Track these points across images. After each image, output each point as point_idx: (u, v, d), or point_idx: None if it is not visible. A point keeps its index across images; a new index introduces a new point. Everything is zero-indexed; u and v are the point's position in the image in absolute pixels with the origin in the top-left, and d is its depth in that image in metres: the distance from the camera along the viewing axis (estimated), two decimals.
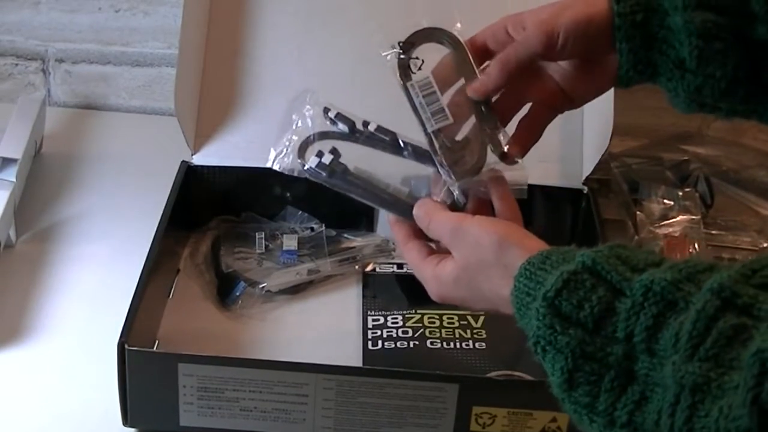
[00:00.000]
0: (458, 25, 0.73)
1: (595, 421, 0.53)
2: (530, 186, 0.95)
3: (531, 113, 0.72)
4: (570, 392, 0.54)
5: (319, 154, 0.73)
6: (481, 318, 0.87)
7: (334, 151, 0.73)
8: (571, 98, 0.71)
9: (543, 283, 0.55)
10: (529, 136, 0.72)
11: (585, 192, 0.96)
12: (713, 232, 1.01)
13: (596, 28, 0.66)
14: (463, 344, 0.84)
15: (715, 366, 0.47)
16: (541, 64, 0.70)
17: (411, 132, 0.76)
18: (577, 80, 0.70)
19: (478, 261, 0.64)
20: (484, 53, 0.73)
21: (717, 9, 0.64)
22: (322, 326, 0.88)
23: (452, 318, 0.87)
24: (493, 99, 0.72)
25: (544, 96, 0.71)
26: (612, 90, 0.92)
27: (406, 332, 0.86)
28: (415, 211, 0.71)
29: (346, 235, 0.97)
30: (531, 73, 0.71)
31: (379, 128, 0.74)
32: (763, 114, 0.68)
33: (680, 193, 1.04)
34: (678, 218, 1.01)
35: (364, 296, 0.91)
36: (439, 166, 0.70)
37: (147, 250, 0.83)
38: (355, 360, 0.83)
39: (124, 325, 0.73)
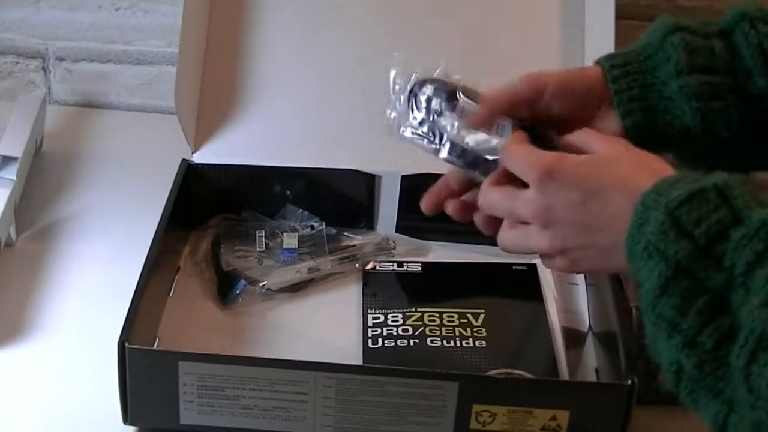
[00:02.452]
0: (457, 76, 0.74)
1: (674, 338, 0.52)
2: None
3: None
4: (659, 300, 0.53)
5: None
6: (481, 316, 0.87)
7: None
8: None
9: (668, 196, 0.54)
10: None
11: None
12: None
13: (587, 92, 0.69)
14: (464, 342, 0.84)
15: None
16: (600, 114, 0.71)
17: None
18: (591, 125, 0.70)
19: (628, 156, 0.62)
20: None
21: (710, 70, 0.65)
22: (323, 324, 0.88)
23: (452, 316, 0.87)
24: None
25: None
26: None
27: (407, 330, 0.86)
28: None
29: (346, 234, 0.97)
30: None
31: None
32: None
33: None
34: None
35: (364, 294, 0.91)
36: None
37: (147, 248, 0.83)
38: (356, 358, 0.83)
39: (125, 323, 0.73)
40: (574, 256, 0.64)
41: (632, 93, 0.67)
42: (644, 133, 0.67)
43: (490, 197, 0.68)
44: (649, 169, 0.59)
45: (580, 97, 0.70)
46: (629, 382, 0.72)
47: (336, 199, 0.98)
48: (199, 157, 0.97)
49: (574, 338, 0.86)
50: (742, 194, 0.53)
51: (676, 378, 0.53)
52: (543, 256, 0.67)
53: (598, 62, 0.71)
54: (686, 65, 0.65)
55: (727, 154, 0.67)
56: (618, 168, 0.61)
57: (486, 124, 0.70)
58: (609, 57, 0.70)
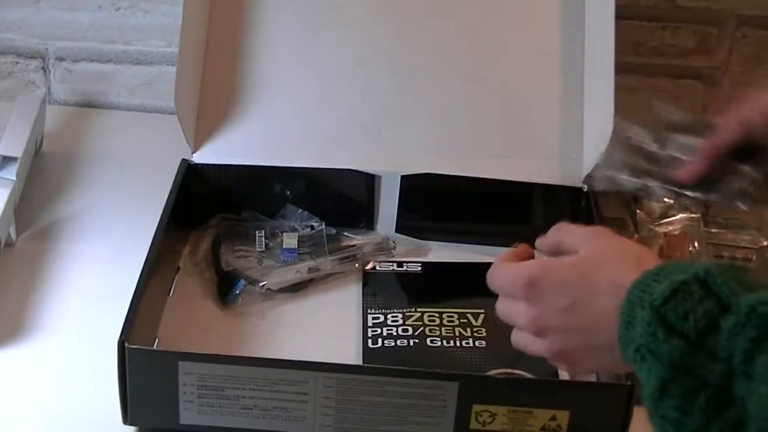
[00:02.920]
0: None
1: None
2: (530, 184, 0.96)
3: None
4: (661, 403, 0.52)
5: None
6: (481, 316, 0.87)
7: None
8: None
9: (653, 293, 0.53)
10: None
11: (585, 190, 0.96)
12: (713, 230, 1.01)
13: None
14: (463, 342, 0.84)
15: None
16: None
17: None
18: None
19: (615, 249, 0.62)
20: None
21: None
22: (322, 324, 0.88)
23: (452, 316, 0.87)
24: None
25: None
26: (612, 88, 0.92)
27: (406, 330, 0.86)
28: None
29: (346, 234, 0.97)
30: None
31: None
32: None
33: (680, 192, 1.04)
34: (678, 216, 1.01)
35: (364, 294, 0.91)
36: None
37: (147, 248, 0.83)
38: (355, 358, 0.83)
39: (125, 323, 0.73)
40: (575, 359, 0.64)
41: None
42: None
43: (499, 309, 0.68)
44: (633, 263, 0.59)
45: None
46: (629, 382, 0.72)
47: (336, 199, 0.98)
48: (199, 157, 0.97)
49: None
50: (725, 281, 0.52)
51: None
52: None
53: None
54: None
55: None
56: (603, 267, 0.60)
57: (703, 172, 0.78)
58: None
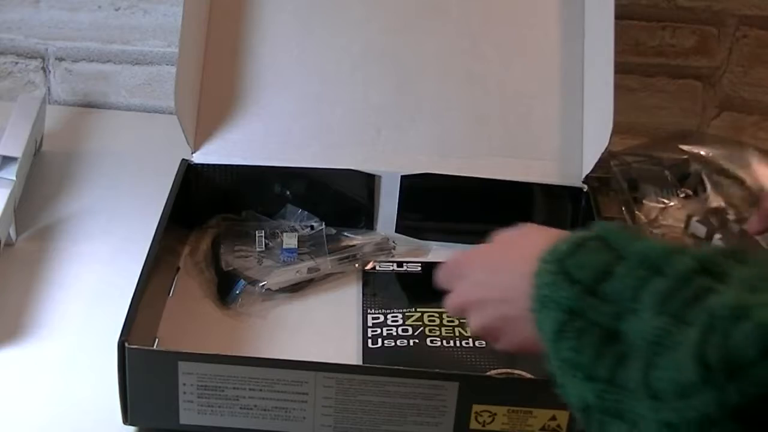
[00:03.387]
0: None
1: (576, 376, 0.55)
2: (530, 184, 0.96)
3: None
4: (557, 345, 0.56)
5: None
6: None
7: None
8: None
9: (557, 252, 0.58)
10: None
11: (585, 190, 0.96)
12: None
13: None
14: (463, 342, 0.84)
15: (676, 322, 0.49)
16: None
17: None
18: None
19: (528, 229, 0.66)
20: None
21: None
22: (322, 324, 0.88)
23: (452, 316, 0.87)
24: None
25: None
26: (612, 88, 0.93)
27: (406, 330, 0.86)
28: None
29: (346, 234, 0.97)
30: None
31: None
32: None
33: (680, 192, 1.04)
34: (677, 217, 1.01)
35: (364, 294, 0.91)
36: None
37: (147, 248, 0.83)
38: (355, 358, 0.83)
39: (124, 323, 0.73)
40: (497, 332, 0.67)
41: None
42: None
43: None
44: (551, 237, 0.62)
45: None
46: None
47: (336, 199, 0.98)
48: (199, 157, 0.97)
49: None
50: (623, 237, 0.56)
51: (586, 416, 0.55)
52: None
53: None
54: None
55: None
56: (521, 242, 0.65)
57: (762, 231, 0.85)
58: None
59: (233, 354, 0.77)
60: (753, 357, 0.44)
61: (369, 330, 0.86)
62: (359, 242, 0.96)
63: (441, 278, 0.72)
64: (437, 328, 0.86)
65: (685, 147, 1.12)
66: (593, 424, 0.55)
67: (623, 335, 0.53)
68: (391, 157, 0.97)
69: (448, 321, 0.87)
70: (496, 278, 0.66)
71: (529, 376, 0.79)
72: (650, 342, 0.49)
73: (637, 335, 0.51)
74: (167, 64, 1.20)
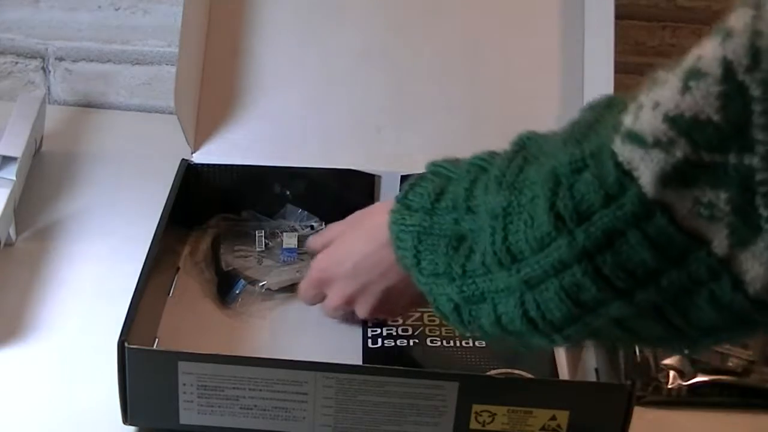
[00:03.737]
0: None
1: (439, 284, 0.62)
2: None
3: None
4: (419, 267, 0.64)
5: None
6: None
7: None
8: None
9: (399, 196, 0.68)
10: None
11: None
12: None
13: None
14: (463, 342, 0.84)
15: (514, 190, 0.56)
16: None
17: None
18: None
19: (369, 208, 0.78)
20: None
21: None
22: (322, 324, 0.88)
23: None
24: None
25: None
26: (612, 88, 0.93)
27: (406, 330, 0.86)
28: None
29: None
30: None
31: None
32: None
33: None
34: None
35: None
36: None
37: (147, 248, 0.83)
38: (355, 358, 0.83)
39: (124, 323, 0.73)
40: (357, 302, 0.79)
41: None
42: None
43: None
44: (389, 201, 0.70)
45: None
46: (629, 382, 0.71)
47: (336, 199, 0.98)
48: (199, 157, 0.97)
49: None
50: (450, 163, 0.66)
51: (457, 315, 0.62)
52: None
53: None
54: None
55: None
56: (366, 217, 0.77)
57: None
58: None
59: (233, 354, 0.77)
60: (597, 203, 0.49)
61: (369, 330, 0.86)
62: None
63: (307, 296, 0.82)
64: (437, 328, 0.86)
65: None
66: (466, 319, 0.61)
67: (467, 234, 0.60)
68: (391, 157, 0.97)
69: None
70: (362, 262, 0.74)
71: (529, 376, 0.79)
72: (499, 216, 0.56)
73: (484, 219, 0.58)
74: (167, 64, 1.20)
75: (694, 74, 0.48)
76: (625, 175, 0.48)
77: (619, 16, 0.94)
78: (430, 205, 0.64)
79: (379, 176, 0.97)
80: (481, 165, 0.62)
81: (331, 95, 1.00)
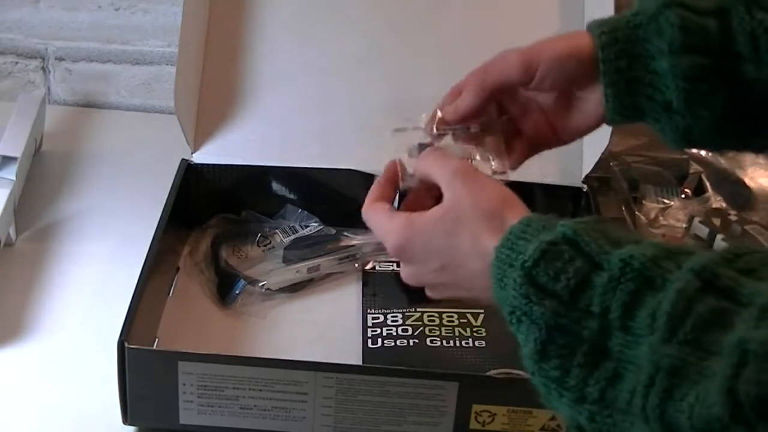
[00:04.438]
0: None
1: (564, 396, 0.52)
2: (530, 184, 0.96)
3: (521, 139, 0.72)
4: (541, 364, 0.53)
5: None
6: (481, 316, 0.87)
7: None
8: (559, 134, 0.72)
9: (522, 252, 0.54)
10: (511, 160, 0.72)
11: (585, 190, 0.96)
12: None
13: (577, 64, 0.67)
14: (463, 342, 0.84)
15: (694, 350, 0.46)
16: (533, 96, 0.71)
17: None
18: (564, 115, 0.71)
19: (473, 205, 0.61)
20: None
21: (703, 51, 0.63)
22: (322, 324, 0.88)
23: (452, 316, 0.87)
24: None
25: (534, 127, 0.72)
26: None
27: (406, 330, 0.86)
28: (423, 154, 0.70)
29: (346, 234, 0.97)
30: (522, 105, 0.72)
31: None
32: (754, 147, 0.68)
33: (680, 192, 1.04)
34: (677, 217, 1.01)
35: (363, 294, 0.91)
36: None
37: (147, 248, 0.83)
38: (355, 358, 0.83)
39: (124, 323, 0.73)
40: (456, 297, 0.65)
41: (619, 63, 0.65)
42: (624, 103, 0.66)
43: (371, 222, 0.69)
44: (495, 222, 0.59)
45: (572, 72, 0.68)
46: None
47: (336, 199, 0.98)
48: (199, 157, 0.97)
49: None
50: (594, 239, 0.53)
51: None
52: None
53: (588, 28, 0.68)
54: (680, 45, 0.63)
55: (707, 134, 0.65)
56: (465, 227, 0.61)
57: (473, 110, 0.70)
58: (599, 23, 0.68)
59: (233, 354, 0.77)
60: None
61: (369, 330, 0.86)
62: (359, 242, 0.96)
63: (377, 236, 0.67)
64: (437, 328, 0.86)
65: None
66: None
67: (615, 353, 0.50)
68: (391, 157, 0.97)
69: (448, 321, 0.87)
70: (450, 269, 0.62)
71: (529, 376, 0.79)
72: (665, 370, 0.47)
73: (643, 356, 0.48)
74: (167, 64, 1.20)
75: None
76: None
77: None
78: (567, 297, 0.52)
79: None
80: (645, 275, 0.50)
81: (331, 95, 1.00)
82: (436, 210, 0.63)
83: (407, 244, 0.63)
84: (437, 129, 0.71)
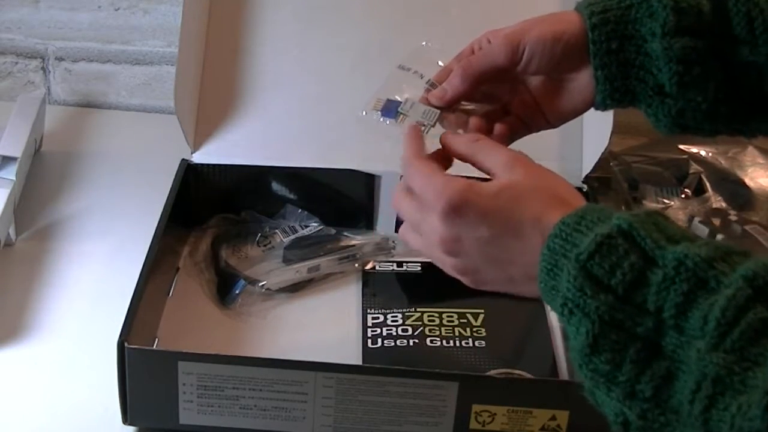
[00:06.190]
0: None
1: (613, 391, 0.51)
2: None
3: (506, 122, 0.71)
4: (591, 357, 0.52)
5: None
6: (481, 316, 0.87)
7: None
8: (547, 117, 0.71)
9: (577, 244, 0.53)
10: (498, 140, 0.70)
11: (585, 190, 0.96)
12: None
13: (565, 47, 0.66)
14: (463, 342, 0.84)
15: (740, 359, 0.46)
16: (521, 79, 0.70)
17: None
18: (552, 98, 0.70)
19: (533, 185, 0.60)
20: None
21: (697, 33, 0.62)
22: (322, 324, 0.88)
23: (452, 316, 0.87)
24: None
25: (521, 110, 0.71)
26: None
27: (406, 330, 0.86)
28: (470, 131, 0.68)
29: (346, 234, 0.97)
30: (510, 86, 0.71)
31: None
32: (746, 131, 0.67)
33: (680, 192, 1.04)
34: (677, 217, 1.01)
35: (363, 294, 0.91)
36: None
37: (147, 248, 0.83)
38: (355, 358, 0.83)
39: (124, 323, 0.73)
40: (480, 279, 0.63)
41: (610, 45, 0.64)
42: (615, 86, 0.65)
43: (399, 204, 0.65)
44: (555, 200, 0.58)
45: (560, 55, 0.66)
46: None
47: (336, 199, 0.98)
48: (199, 157, 0.97)
49: None
50: (649, 233, 0.52)
51: (624, 430, 0.52)
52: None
53: (577, 8, 0.67)
54: (673, 27, 0.62)
55: (699, 118, 0.64)
56: (526, 201, 0.59)
57: (460, 94, 0.70)
58: (589, 3, 0.66)
59: (233, 354, 0.77)
60: None
61: (369, 330, 0.86)
62: (359, 242, 0.96)
63: (422, 193, 0.62)
64: (437, 328, 0.86)
65: (684, 147, 1.12)
66: None
67: (665, 350, 0.50)
68: (391, 157, 0.97)
69: (448, 321, 0.87)
70: (500, 240, 0.59)
71: (529, 376, 0.79)
72: (710, 378, 0.46)
73: (692, 359, 0.48)
74: (167, 64, 1.20)
75: None
76: None
77: None
78: (622, 292, 0.51)
79: (379, 176, 0.97)
80: (699, 276, 0.49)
81: (331, 95, 1.00)
82: (494, 184, 0.60)
83: (463, 205, 0.59)
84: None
